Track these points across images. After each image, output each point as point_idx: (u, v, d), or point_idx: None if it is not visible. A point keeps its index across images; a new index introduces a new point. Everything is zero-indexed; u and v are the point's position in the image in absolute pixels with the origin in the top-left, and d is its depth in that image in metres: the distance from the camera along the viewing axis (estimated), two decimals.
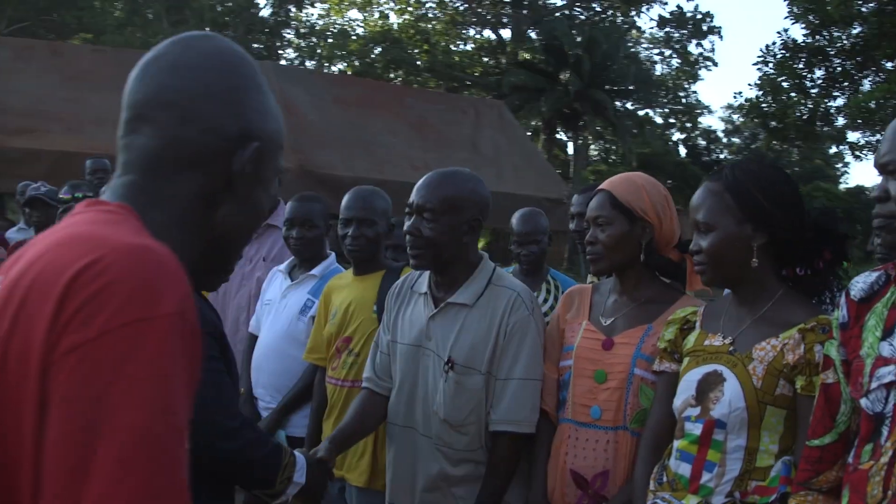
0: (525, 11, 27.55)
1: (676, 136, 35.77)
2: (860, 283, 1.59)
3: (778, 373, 1.77)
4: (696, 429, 1.85)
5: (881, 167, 1.47)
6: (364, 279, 3.03)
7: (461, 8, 28.04)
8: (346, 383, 2.93)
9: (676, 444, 1.90)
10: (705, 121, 51.67)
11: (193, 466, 0.91)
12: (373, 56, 27.99)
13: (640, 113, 30.07)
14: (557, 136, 28.35)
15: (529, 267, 3.70)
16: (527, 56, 27.96)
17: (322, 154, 8.42)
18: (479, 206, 2.38)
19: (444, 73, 26.98)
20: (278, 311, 3.37)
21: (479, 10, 27.74)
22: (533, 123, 27.15)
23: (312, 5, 29.45)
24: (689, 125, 35.94)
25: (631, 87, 26.45)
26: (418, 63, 27.93)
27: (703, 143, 36.00)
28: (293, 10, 28.95)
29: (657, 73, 31.75)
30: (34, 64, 7.50)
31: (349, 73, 26.06)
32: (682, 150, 33.85)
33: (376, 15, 28.78)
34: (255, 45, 25.61)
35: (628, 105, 28.44)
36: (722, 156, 34.87)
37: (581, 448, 2.17)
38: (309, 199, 3.40)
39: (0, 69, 7.25)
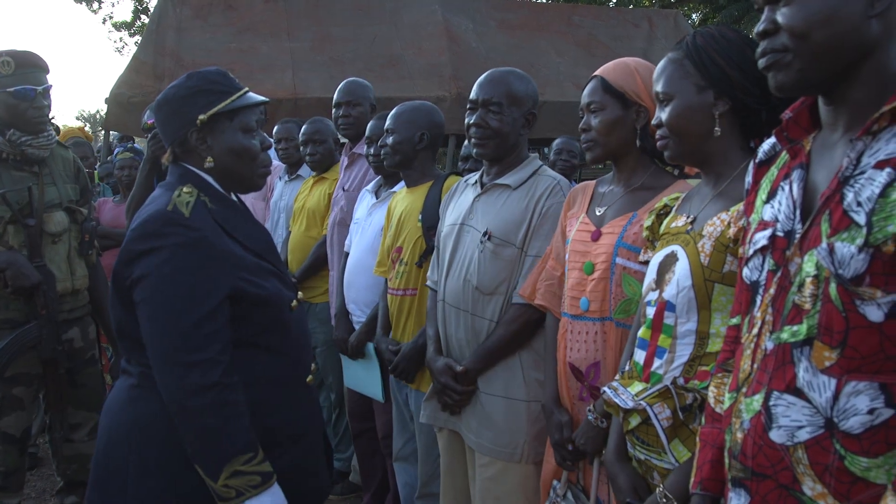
0: None
1: None
2: (765, 145, 1.43)
3: (724, 248, 1.62)
4: (651, 313, 1.76)
5: None
6: (414, 190, 3.09)
7: None
8: (399, 292, 3.00)
9: (639, 331, 1.82)
10: None
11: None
12: None
13: None
14: None
15: None
16: None
17: None
18: (534, 101, 2.58)
19: None
20: (364, 228, 3.49)
21: None
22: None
23: None
24: None
25: None
26: None
27: None
28: None
29: None
30: (211, 20, 8.03)
31: None
32: None
33: None
34: None
35: None
36: None
37: (575, 341, 2.12)
38: (380, 117, 3.47)
39: (181, 28, 7.86)
